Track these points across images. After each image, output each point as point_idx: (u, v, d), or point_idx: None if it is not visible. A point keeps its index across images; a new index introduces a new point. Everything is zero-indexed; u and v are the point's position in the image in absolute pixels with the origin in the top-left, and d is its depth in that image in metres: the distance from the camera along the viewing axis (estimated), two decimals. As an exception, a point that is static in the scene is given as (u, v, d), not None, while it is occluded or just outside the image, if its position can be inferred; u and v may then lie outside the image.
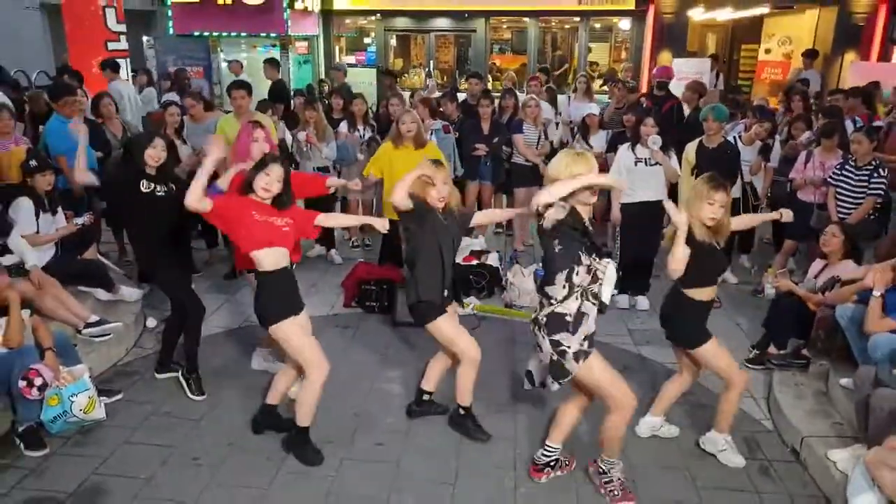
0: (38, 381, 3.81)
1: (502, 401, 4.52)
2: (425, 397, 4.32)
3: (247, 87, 6.45)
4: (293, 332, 3.75)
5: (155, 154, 4.32)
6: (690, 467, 3.89)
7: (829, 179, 5.95)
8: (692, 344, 3.76)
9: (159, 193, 4.34)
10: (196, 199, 3.57)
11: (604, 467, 3.64)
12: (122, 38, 9.73)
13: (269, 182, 3.67)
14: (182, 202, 3.93)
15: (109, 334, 4.88)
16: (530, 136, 7.17)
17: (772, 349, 4.86)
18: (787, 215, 4.17)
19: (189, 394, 4.49)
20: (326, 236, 7.23)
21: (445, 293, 3.94)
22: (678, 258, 3.49)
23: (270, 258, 3.68)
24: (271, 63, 10.46)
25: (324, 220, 4.04)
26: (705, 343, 3.72)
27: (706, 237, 3.59)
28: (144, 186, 4.31)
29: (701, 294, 3.71)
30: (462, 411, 4.15)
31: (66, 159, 5.70)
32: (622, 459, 3.69)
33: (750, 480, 3.80)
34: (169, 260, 4.44)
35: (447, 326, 3.92)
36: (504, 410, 4.42)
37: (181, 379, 4.56)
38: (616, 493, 3.59)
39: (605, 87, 11.12)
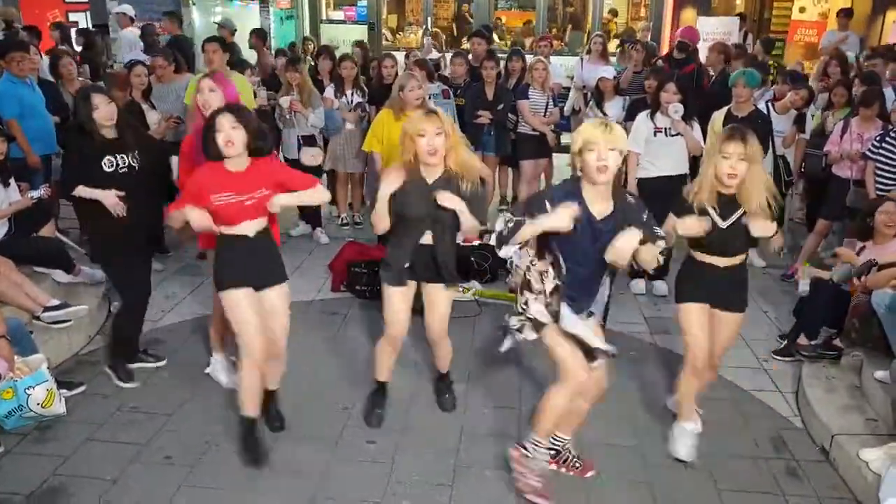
0: (-10, 373, 3.81)
1: (505, 396, 4.54)
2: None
3: (220, 40, 6.41)
4: (238, 304, 3.72)
5: (104, 113, 4.20)
6: (713, 468, 3.91)
7: (867, 153, 5.93)
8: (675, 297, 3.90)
9: (122, 170, 4.30)
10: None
11: (528, 448, 3.58)
12: (82, -12, 9.65)
13: (226, 134, 3.53)
14: (147, 177, 3.96)
15: (70, 320, 4.87)
16: (537, 103, 7.14)
17: (802, 339, 4.88)
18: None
19: (116, 380, 4.55)
20: (312, 213, 7.23)
21: (407, 265, 3.87)
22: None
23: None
24: (170, 16, 10.22)
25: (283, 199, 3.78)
26: (681, 303, 3.82)
27: (707, 203, 3.57)
28: (107, 165, 4.26)
29: (698, 254, 3.76)
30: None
31: (19, 123, 5.69)
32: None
33: (776, 482, 3.84)
34: (124, 244, 4.37)
35: (388, 297, 3.95)
36: (507, 406, 4.44)
37: (107, 370, 4.59)
38: (528, 482, 3.55)
39: (621, 49, 11.04)
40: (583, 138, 3.16)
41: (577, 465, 3.82)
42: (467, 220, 3.69)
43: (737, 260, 3.73)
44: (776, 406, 4.53)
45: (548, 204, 3.19)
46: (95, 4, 10.78)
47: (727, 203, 3.59)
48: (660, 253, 3.32)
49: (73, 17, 9.74)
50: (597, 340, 3.39)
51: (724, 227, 3.58)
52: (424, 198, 3.66)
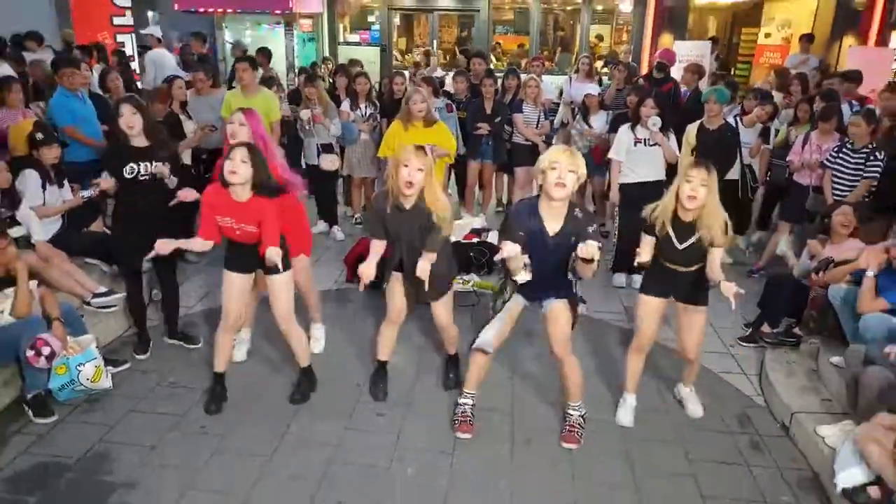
0: (45, 351, 3.81)
1: (499, 374, 4.54)
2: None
3: (251, 59, 6.42)
4: (229, 283, 3.95)
5: (126, 121, 4.21)
6: (685, 441, 3.92)
7: (825, 162, 5.92)
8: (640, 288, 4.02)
9: (142, 178, 4.28)
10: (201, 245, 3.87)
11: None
12: (128, 13, 9.63)
13: (234, 165, 3.61)
14: (166, 190, 4.20)
15: (115, 305, 4.89)
16: (530, 116, 7.15)
17: (765, 327, 4.88)
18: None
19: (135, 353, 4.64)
20: (329, 213, 7.24)
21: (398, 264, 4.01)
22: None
23: None
24: (196, 37, 10.26)
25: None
26: (641, 293, 3.94)
27: (662, 225, 3.64)
28: (128, 171, 4.25)
29: (662, 260, 3.80)
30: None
31: (77, 129, 5.71)
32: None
33: (741, 454, 3.84)
34: (130, 238, 4.36)
35: (389, 285, 4.12)
36: (501, 384, 4.44)
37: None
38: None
39: (606, 70, 11.03)
40: (549, 158, 3.34)
41: (563, 430, 3.90)
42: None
43: (693, 268, 3.76)
44: (741, 387, 4.53)
45: (513, 222, 3.48)
46: (140, 27, 10.76)
47: (683, 229, 3.64)
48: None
49: (119, 38, 9.69)
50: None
51: (681, 248, 3.67)
52: (400, 221, 3.77)
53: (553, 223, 3.45)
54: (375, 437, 3.88)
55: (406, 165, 3.62)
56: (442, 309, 4.10)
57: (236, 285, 3.96)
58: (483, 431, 3.95)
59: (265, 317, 4.36)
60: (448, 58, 15.67)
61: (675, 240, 3.66)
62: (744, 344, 4.99)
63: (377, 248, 3.90)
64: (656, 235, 3.71)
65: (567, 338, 3.72)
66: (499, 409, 4.17)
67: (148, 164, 4.29)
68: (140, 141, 4.29)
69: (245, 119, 4.22)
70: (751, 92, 7.43)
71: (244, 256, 3.89)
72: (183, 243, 3.87)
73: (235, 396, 4.18)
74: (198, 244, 3.86)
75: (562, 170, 3.29)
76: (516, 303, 3.77)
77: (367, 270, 3.80)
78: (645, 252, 3.77)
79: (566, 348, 3.73)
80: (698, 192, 3.49)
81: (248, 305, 4.30)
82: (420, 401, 4.26)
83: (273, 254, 3.68)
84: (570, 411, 3.93)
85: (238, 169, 3.61)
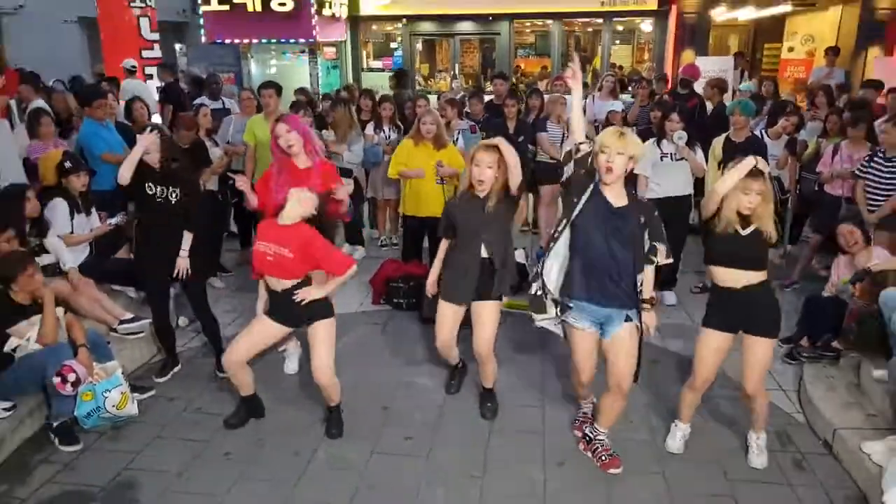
0: (71, 378, 3.78)
1: (530, 395, 4.41)
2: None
3: (276, 86, 6.43)
4: (258, 322, 3.86)
5: (143, 146, 4.19)
6: (722, 460, 3.74)
7: (856, 172, 5.74)
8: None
9: (159, 199, 4.29)
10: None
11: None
12: (156, 46, 9.80)
13: (292, 208, 3.65)
14: (185, 212, 4.22)
15: (142, 332, 4.86)
16: (555, 134, 7.07)
17: (804, 341, 4.69)
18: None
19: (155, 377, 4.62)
20: (356, 235, 7.20)
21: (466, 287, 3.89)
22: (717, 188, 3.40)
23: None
24: (163, 68, 10.16)
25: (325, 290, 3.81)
26: (704, 327, 3.58)
27: (731, 224, 3.40)
28: (149, 189, 4.28)
29: (717, 276, 3.51)
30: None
31: (112, 154, 5.77)
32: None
33: (783, 473, 3.65)
34: (152, 261, 4.41)
35: (440, 310, 4.01)
36: (532, 405, 4.31)
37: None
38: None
39: (630, 88, 10.92)
40: (599, 142, 3.30)
41: (604, 458, 3.69)
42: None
43: (753, 277, 3.46)
44: (780, 403, 4.33)
45: (580, 185, 3.37)
46: (167, 59, 10.94)
47: (745, 219, 3.42)
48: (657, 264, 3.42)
49: (148, 70, 9.85)
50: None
51: (745, 234, 3.40)
52: (473, 210, 3.78)
53: (616, 199, 3.33)
54: (403, 461, 3.76)
55: (477, 165, 3.68)
56: (489, 323, 3.91)
57: (260, 330, 3.83)
58: (515, 454, 3.81)
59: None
60: (470, 82, 15.71)
61: (738, 227, 3.40)
62: (785, 360, 4.79)
63: (442, 250, 4.06)
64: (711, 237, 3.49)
65: (632, 373, 3.47)
66: (531, 430, 4.03)
67: (164, 188, 4.30)
68: (154, 163, 4.32)
69: (288, 125, 4.20)
70: (777, 104, 7.28)
71: (276, 302, 3.76)
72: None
73: (261, 423, 4.11)
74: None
75: (611, 153, 3.22)
76: (585, 331, 3.47)
77: (432, 277, 4.08)
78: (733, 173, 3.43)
79: (629, 385, 3.50)
80: (755, 202, 3.34)
81: None
82: (448, 423, 4.14)
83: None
84: (601, 437, 3.75)
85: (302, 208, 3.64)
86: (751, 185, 3.34)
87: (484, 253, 3.82)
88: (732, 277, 3.45)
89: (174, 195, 4.33)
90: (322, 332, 3.76)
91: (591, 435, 3.79)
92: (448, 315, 3.99)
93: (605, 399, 3.62)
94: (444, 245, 4.06)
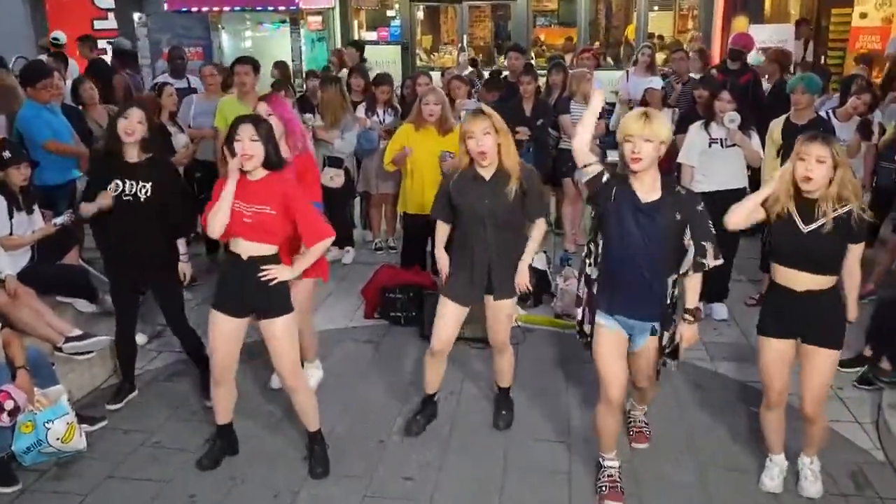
0: (8, 405, 3.76)
1: (552, 429, 4.38)
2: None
3: (252, 62, 6.44)
4: (214, 325, 3.78)
5: (127, 125, 4.22)
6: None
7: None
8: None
9: (126, 197, 4.29)
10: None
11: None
12: (111, 15, 9.85)
13: (247, 147, 3.53)
14: (155, 210, 4.20)
15: (92, 351, 4.83)
16: (580, 116, 7.03)
17: (884, 363, 4.65)
18: None
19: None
20: (346, 235, 7.20)
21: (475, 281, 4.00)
22: (741, 208, 3.56)
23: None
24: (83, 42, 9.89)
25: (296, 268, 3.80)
26: (759, 335, 3.63)
27: (785, 206, 3.40)
28: (112, 189, 4.28)
29: (777, 274, 3.51)
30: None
31: (57, 143, 5.82)
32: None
33: (858, 523, 3.61)
34: (118, 267, 4.47)
35: (441, 307, 4.08)
36: (554, 440, 4.28)
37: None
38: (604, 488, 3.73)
39: (669, 63, 10.91)
40: (622, 130, 3.34)
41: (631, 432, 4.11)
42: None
43: (820, 283, 3.43)
44: (854, 438, 4.29)
45: (606, 180, 3.45)
46: (123, 31, 11.00)
47: (807, 208, 3.38)
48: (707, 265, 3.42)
49: (101, 44, 9.91)
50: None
51: (806, 231, 3.36)
52: (483, 195, 3.85)
53: (646, 193, 3.37)
54: (401, 507, 3.74)
55: (471, 137, 3.74)
56: (505, 319, 4.10)
57: (222, 330, 3.77)
58: (535, 499, 3.79)
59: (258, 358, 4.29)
60: (481, 56, 15.72)
61: (798, 221, 3.38)
62: (857, 385, 4.75)
63: (442, 232, 4.14)
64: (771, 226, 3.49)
65: (652, 372, 3.78)
66: (554, 469, 4.01)
67: (134, 183, 4.30)
68: (132, 155, 4.32)
69: (270, 108, 4.24)
70: (857, 77, 7.25)
71: (236, 282, 3.70)
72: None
73: (231, 459, 4.08)
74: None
75: (636, 141, 3.26)
76: (609, 335, 3.58)
77: (443, 260, 4.11)
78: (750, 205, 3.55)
79: (650, 381, 3.84)
80: (816, 172, 3.28)
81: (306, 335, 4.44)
82: (454, 461, 4.11)
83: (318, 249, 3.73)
84: (637, 412, 4.19)
85: (248, 150, 3.53)
86: (808, 149, 3.29)
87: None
88: (793, 278, 3.45)
89: (143, 191, 4.31)
90: (281, 328, 3.73)
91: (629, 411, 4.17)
92: (450, 314, 4.06)
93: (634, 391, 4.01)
94: (441, 227, 4.15)
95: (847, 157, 3.38)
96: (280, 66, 10.22)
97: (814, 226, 3.35)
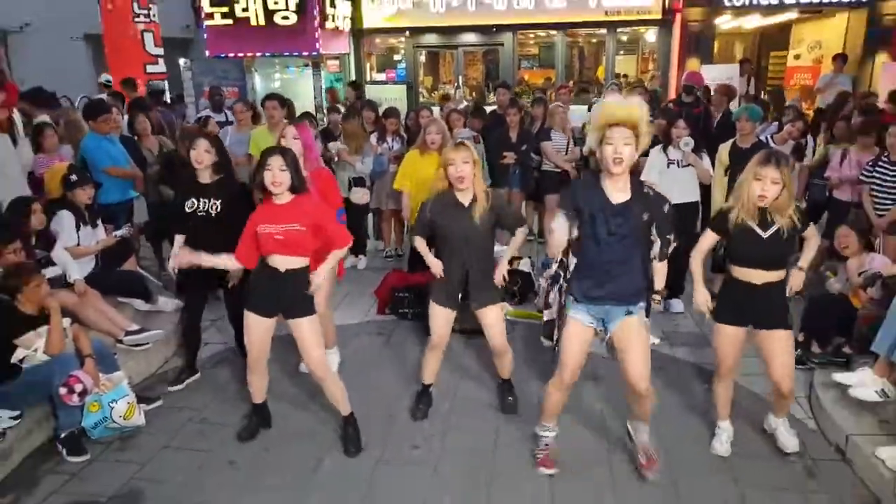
0: (78, 388, 3.81)
1: (537, 407, 4.40)
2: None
3: (279, 98, 6.49)
4: (249, 325, 3.79)
5: (196, 156, 4.30)
6: (734, 468, 3.74)
7: (861, 177, 5.76)
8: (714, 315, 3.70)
9: (200, 213, 4.33)
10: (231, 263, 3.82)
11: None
12: (160, 61, 9.91)
13: (276, 175, 3.56)
14: (224, 224, 4.15)
15: (148, 343, 4.89)
16: (559, 143, 7.11)
17: (814, 347, 4.69)
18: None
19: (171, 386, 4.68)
20: (358, 244, 7.25)
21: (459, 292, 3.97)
22: (699, 253, 3.71)
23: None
24: (126, 83, 9.55)
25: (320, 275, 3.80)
26: (717, 322, 3.66)
27: (746, 217, 3.43)
28: (188, 206, 4.34)
29: (738, 273, 3.57)
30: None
31: (116, 168, 5.90)
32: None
33: (795, 480, 3.64)
34: (194, 272, 4.37)
35: (432, 311, 4.03)
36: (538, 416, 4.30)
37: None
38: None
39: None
40: (604, 116, 3.08)
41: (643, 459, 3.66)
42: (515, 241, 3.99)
43: (775, 276, 3.51)
44: (791, 410, 4.30)
45: (570, 192, 3.33)
46: (173, 75, 11.07)
47: (762, 217, 3.44)
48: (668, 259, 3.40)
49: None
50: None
51: (766, 237, 3.44)
52: (461, 219, 3.79)
53: (618, 194, 3.20)
54: (410, 470, 3.77)
55: (451, 164, 3.71)
56: (497, 323, 4.02)
57: (257, 328, 3.78)
58: (523, 463, 3.82)
59: (288, 349, 4.32)
60: (474, 95, 15.80)
61: (757, 229, 3.43)
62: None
63: (422, 244, 4.02)
64: (728, 234, 3.51)
65: (648, 365, 3.41)
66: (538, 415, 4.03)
67: (207, 200, 4.34)
68: (205, 177, 4.38)
69: (297, 132, 4.34)
70: (786, 108, 7.32)
71: (270, 287, 3.71)
72: (208, 259, 3.81)
73: (266, 431, 4.13)
74: (228, 261, 3.78)
75: (617, 144, 3.07)
76: (577, 326, 3.42)
77: (434, 263, 3.93)
78: (703, 245, 3.66)
79: (648, 382, 3.42)
80: (769, 191, 3.33)
81: (326, 324, 4.45)
82: (455, 432, 4.14)
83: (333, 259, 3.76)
84: (642, 435, 3.71)
85: (278, 178, 3.57)
86: (764, 172, 3.31)
87: (465, 265, 3.89)
88: (753, 275, 3.51)
89: (214, 208, 4.34)
90: (307, 328, 3.73)
91: (635, 433, 3.78)
92: (441, 316, 4.04)
93: (632, 403, 3.63)
94: (420, 243, 4.02)
95: (790, 174, 3.41)
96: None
97: (771, 231, 3.42)
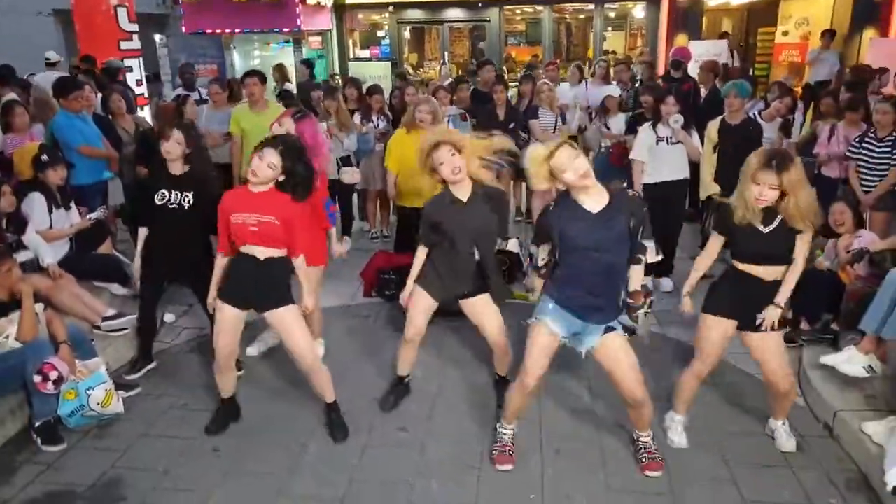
0: (53, 375, 3.74)
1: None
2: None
3: (259, 74, 6.39)
4: (221, 316, 3.69)
5: (167, 147, 4.17)
6: (722, 446, 3.76)
7: (848, 153, 5.77)
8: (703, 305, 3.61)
9: (171, 206, 4.22)
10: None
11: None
12: (135, 37, 9.71)
13: (257, 166, 3.50)
14: (197, 216, 4.10)
15: (126, 328, 4.82)
16: (547, 121, 7.07)
17: (803, 324, 4.71)
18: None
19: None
20: (345, 225, 7.19)
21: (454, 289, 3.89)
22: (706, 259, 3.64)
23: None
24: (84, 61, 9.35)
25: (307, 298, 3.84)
26: (710, 314, 3.54)
27: (746, 218, 3.29)
28: (158, 198, 4.22)
29: (743, 267, 3.46)
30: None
31: (91, 147, 5.82)
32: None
33: (783, 456, 3.67)
34: (157, 262, 4.37)
35: (415, 302, 3.95)
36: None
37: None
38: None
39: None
40: (552, 169, 3.13)
41: (644, 459, 3.60)
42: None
43: (776, 272, 3.42)
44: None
45: (545, 220, 3.28)
46: (149, 52, 10.88)
47: (767, 212, 3.30)
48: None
49: (127, 62, 9.76)
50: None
51: (766, 232, 3.32)
52: (461, 215, 3.69)
53: (595, 204, 3.16)
54: (397, 453, 3.77)
55: (441, 164, 3.62)
56: (495, 317, 3.94)
57: (228, 318, 3.68)
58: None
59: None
60: (460, 72, 15.68)
61: (758, 224, 3.30)
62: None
63: (420, 261, 3.91)
64: (730, 230, 3.40)
65: (640, 374, 3.35)
66: (526, 419, 4.02)
67: (178, 192, 4.23)
68: (176, 168, 4.25)
69: (300, 130, 4.17)
70: (773, 84, 7.32)
71: (245, 277, 3.62)
72: (212, 287, 3.77)
73: (248, 417, 4.09)
74: (219, 269, 3.74)
75: (571, 167, 3.07)
76: (547, 335, 3.34)
77: (407, 292, 3.97)
78: (712, 251, 3.57)
79: (643, 388, 3.36)
80: (767, 196, 3.19)
81: (314, 316, 4.42)
82: (442, 414, 4.14)
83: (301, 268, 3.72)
84: (644, 439, 3.64)
85: (259, 172, 3.49)
86: (762, 177, 3.16)
87: (478, 255, 3.80)
88: (760, 271, 3.42)
89: (187, 200, 4.23)
90: (290, 317, 3.67)
91: (637, 439, 3.67)
92: (422, 304, 3.93)
93: (631, 413, 3.57)
94: (422, 253, 3.91)
95: (800, 178, 3.18)
96: (279, 68, 10.16)
97: (771, 226, 3.30)
